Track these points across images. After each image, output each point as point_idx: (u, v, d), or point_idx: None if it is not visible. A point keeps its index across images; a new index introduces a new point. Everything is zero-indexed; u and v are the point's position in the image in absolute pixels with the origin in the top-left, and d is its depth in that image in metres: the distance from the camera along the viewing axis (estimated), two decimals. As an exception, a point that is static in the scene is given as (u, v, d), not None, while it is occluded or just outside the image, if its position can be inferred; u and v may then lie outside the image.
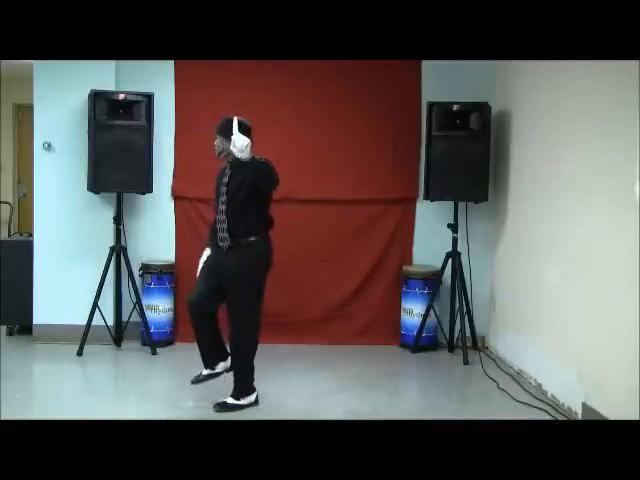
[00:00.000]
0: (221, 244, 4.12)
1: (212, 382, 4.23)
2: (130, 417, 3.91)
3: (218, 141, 4.15)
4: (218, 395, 4.22)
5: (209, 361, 4.18)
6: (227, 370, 4.20)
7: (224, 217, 4.10)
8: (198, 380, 4.19)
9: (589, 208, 4.01)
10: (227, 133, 3.97)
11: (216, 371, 4.19)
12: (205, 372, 4.19)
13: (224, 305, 4.14)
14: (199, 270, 4.24)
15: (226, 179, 4.15)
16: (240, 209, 4.09)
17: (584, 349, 4.00)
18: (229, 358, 4.18)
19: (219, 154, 4.17)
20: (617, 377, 3.64)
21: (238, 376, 4.16)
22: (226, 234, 4.08)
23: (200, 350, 4.17)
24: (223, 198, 4.12)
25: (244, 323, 4.09)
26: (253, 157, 3.95)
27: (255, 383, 4.22)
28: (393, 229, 5.92)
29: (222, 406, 4.12)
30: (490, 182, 5.61)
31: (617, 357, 3.64)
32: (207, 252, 4.26)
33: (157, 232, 5.83)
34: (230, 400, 4.15)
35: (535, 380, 4.75)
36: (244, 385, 4.16)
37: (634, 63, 3.41)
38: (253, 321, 4.13)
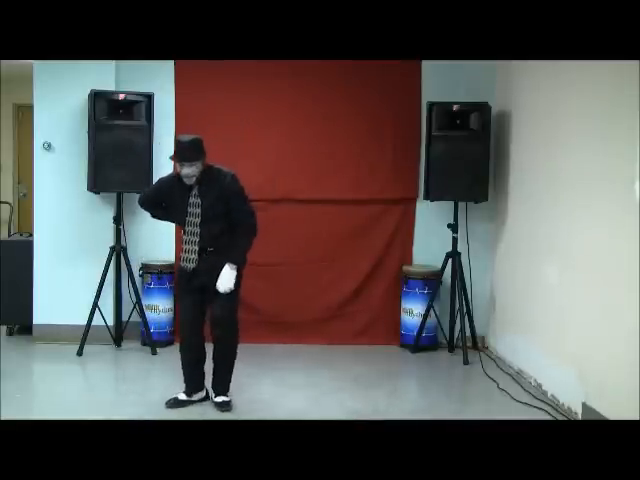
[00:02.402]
0: (184, 265, 4.14)
1: (206, 383, 4.30)
2: (130, 417, 3.91)
3: (198, 166, 4.03)
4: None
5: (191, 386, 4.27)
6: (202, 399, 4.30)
7: (197, 238, 4.09)
8: (175, 404, 4.22)
9: (589, 209, 4.01)
10: (203, 154, 4.07)
11: (191, 398, 4.26)
12: (182, 397, 4.24)
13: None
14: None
15: (197, 200, 4.08)
16: (219, 223, 4.09)
17: (584, 349, 4.00)
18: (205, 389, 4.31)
19: (193, 178, 4.05)
20: (617, 377, 3.64)
21: (230, 373, 4.22)
22: (197, 250, 4.09)
23: (188, 378, 4.26)
24: (196, 220, 4.08)
25: (233, 321, 4.17)
26: (218, 169, 4.09)
27: (255, 383, 4.23)
28: (393, 229, 5.92)
29: (228, 405, 4.17)
30: (490, 182, 5.61)
31: (617, 357, 3.64)
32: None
33: (157, 232, 5.82)
34: (228, 398, 4.20)
35: (535, 380, 4.75)
36: (230, 381, 4.25)
37: (634, 63, 3.41)
38: (237, 318, 4.21)
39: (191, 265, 4.10)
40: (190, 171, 4.01)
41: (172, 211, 4.25)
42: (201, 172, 4.06)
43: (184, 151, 4.02)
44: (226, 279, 4.04)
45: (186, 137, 4.08)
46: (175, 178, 4.18)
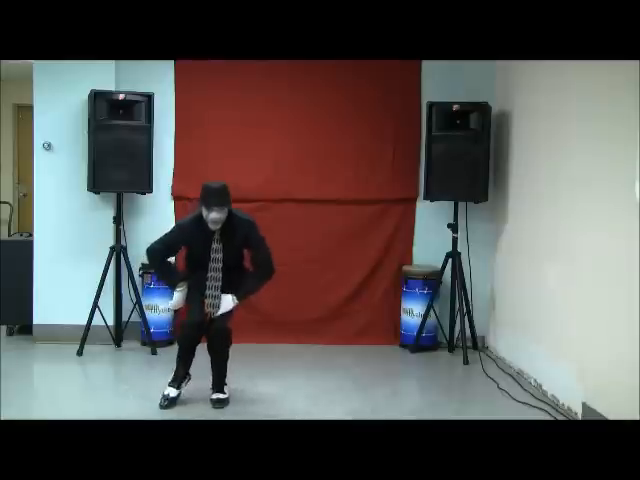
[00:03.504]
0: (211, 310, 4.17)
1: (208, 383, 4.29)
2: (130, 417, 3.91)
3: (224, 212, 4.07)
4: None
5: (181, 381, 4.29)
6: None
7: (219, 283, 4.15)
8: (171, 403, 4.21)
9: (589, 208, 4.01)
10: (230, 202, 4.10)
11: (181, 390, 4.29)
12: (174, 394, 4.24)
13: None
14: (186, 296, 4.30)
15: (219, 245, 4.13)
16: (237, 267, 4.25)
17: (584, 349, 4.00)
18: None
19: (219, 224, 4.08)
20: (617, 377, 3.64)
21: (225, 373, 4.26)
22: (219, 294, 4.16)
23: (181, 370, 4.26)
24: (218, 264, 4.14)
25: (229, 331, 4.20)
26: (238, 217, 4.15)
27: (254, 382, 4.23)
28: (393, 229, 5.92)
29: (222, 402, 4.19)
30: (490, 182, 5.61)
31: (617, 357, 3.64)
32: (184, 288, 4.27)
33: (157, 232, 5.78)
34: (222, 395, 4.22)
35: (535, 380, 4.75)
36: (224, 380, 4.28)
37: (634, 63, 3.41)
38: (231, 327, 4.25)
39: (216, 310, 4.15)
40: (219, 216, 4.04)
41: (191, 255, 4.28)
42: (224, 223, 4.11)
43: (216, 196, 4.03)
44: (225, 307, 4.15)
45: (215, 183, 4.11)
46: (196, 223, 4.15)
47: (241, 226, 4.17)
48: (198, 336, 4.22)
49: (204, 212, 4.07)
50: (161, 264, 4.32)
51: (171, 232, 4.31)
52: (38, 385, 4.92)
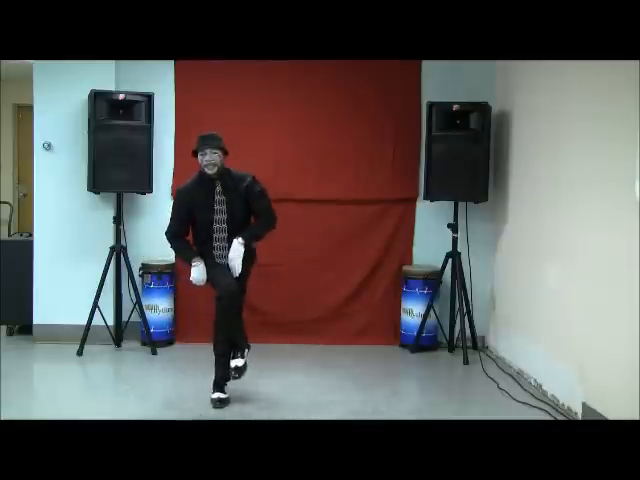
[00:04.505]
0: (219, 261, 4.25)
1: (208, 383, 4.29)
2: (130, 417, 3.91)
3: (218, 156, 4.16)
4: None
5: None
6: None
7: (226, 234, 4.22)
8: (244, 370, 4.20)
9: (589, 208, 4.01)
10: (224, 146, 4.22)
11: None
12: (242, 363, 4.19)
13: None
14: (208, 270, 4.25)
15: (222, 197, 4.21)
16: (243, 220, 4.29)
17: (584, 349, 4.00)
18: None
19: (215, 167, 4.15)
20: (617, 377, 3.64)
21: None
22: (228, 246, 4.22)
23: (240, 340, 4.23)
24: (223, 216, 4.20)
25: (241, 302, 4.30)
26: (238, 172, 4.27)
27: (255, 382, 4.28)
28: (393, 229, 5.92)
29: (223, 402, 4.17)
30: (490, 182, 5.61)
31: (617, 357, 3.64)
32: (200, 263, 4.25)
33: (157, 232, 5.78)
34: (222, 395, 4.20)
35: (535, 380, 4.75)
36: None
37: (634, 63, 3.41)
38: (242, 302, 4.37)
39: (225, 260, 4.22)
40: (212, 158, 4.12)
41: (197, 214, 4.26)
42: (222, 172, 4.18)
43: (206, 139, 4.18)
44: (234, 250, 4.16)
45: (208, 132, 4.28)
46: (195, 183, 4.24)
47: (241, 180, 4.25)
48: (238, 295, 4.20)
49: (199, 159, 4.16)
50: (178, 243, 4.36)
51: (174, 204, 4.39)
52: (38, 385, 4.92)
